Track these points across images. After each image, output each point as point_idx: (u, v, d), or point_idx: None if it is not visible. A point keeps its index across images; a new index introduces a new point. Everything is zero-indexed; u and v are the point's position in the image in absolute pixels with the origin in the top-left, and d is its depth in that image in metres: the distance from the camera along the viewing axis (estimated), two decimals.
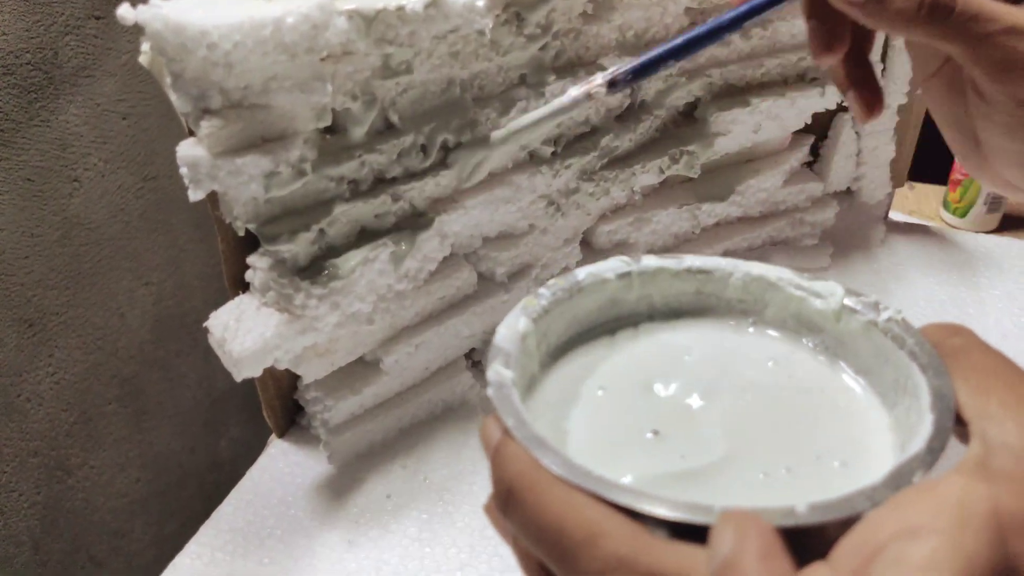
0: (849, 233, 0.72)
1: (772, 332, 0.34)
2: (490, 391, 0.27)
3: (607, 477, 0.23)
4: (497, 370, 0.28)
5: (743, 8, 0.40)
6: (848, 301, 0.31)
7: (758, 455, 0.24)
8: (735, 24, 0.40)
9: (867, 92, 0.41)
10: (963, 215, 0.89)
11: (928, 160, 0.88)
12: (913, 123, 0.71)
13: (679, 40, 0.40)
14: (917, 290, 0.67)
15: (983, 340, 0.26)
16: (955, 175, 0.89)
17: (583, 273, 0.34)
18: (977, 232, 0.88)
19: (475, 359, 0.58)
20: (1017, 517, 0.21)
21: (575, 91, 0.41)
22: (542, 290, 0.32)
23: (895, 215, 0.81)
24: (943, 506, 0.21)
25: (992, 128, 0.38)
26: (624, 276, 0.34)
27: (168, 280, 0.91)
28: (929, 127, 0.66)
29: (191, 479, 1.01)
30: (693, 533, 0.21)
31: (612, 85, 0.41)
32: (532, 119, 0.43)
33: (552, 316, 0.33)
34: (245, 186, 0.40)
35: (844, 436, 0.30)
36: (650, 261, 0.34)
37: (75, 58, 0.73)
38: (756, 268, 0.34)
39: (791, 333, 0.34)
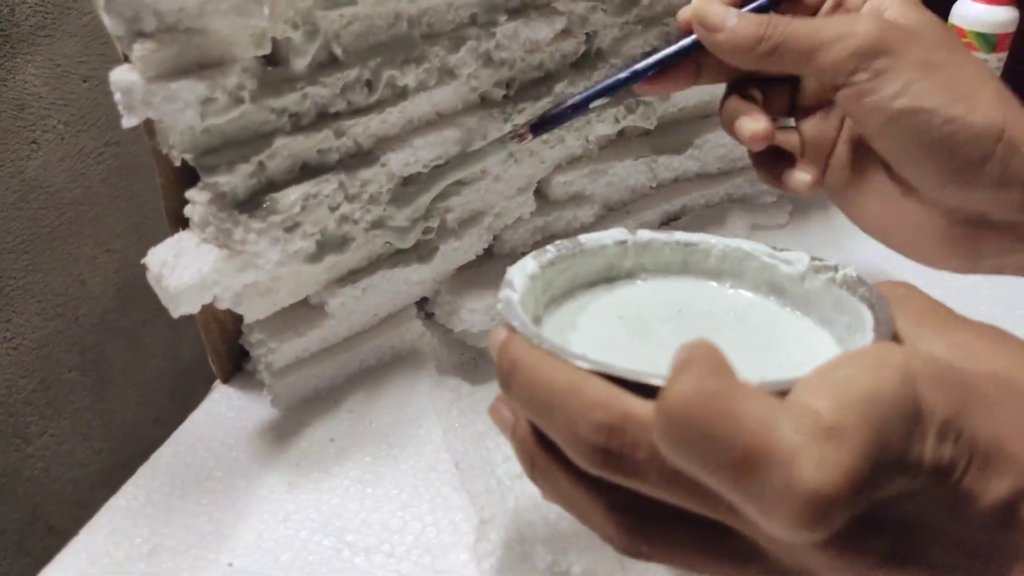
0: None
1: (746, 292, 0.39)
2: (500, 306, 0.33)
3: (591, 356, 0.28)
4: (507, 293, 0.34)
5: (660, 56, 0.42)
6: (813, 264, 0.36)
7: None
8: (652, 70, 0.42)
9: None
10: None
11: None
12: None
13: (601, 85, 0.43)
14: (873, 247, 0.66)
15: (923, 291, 0.31)
16: None
17: (585, 238, 0.39)
18: None
19: (427, 310, 0.57)
20: (928, 400, 0.24)
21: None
22: (549, 247, 0.38)
23: None
24: (863, 354, 0.25)
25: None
26: (621, 243, 0.40)
27: (132, 247, 0.89)
28: None
29: (156, 451, 0.99)
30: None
31: (535, 129, 0.45)
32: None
33: (556, 268, 0.38)
34: (181, 113, 0.39)
35: (802, 355, 0.34)
36: (644, 234, 0.40)
37: (33, 16, 0.72)
38: (735, 242, 0.39)
39: (764, 293, 0.39)
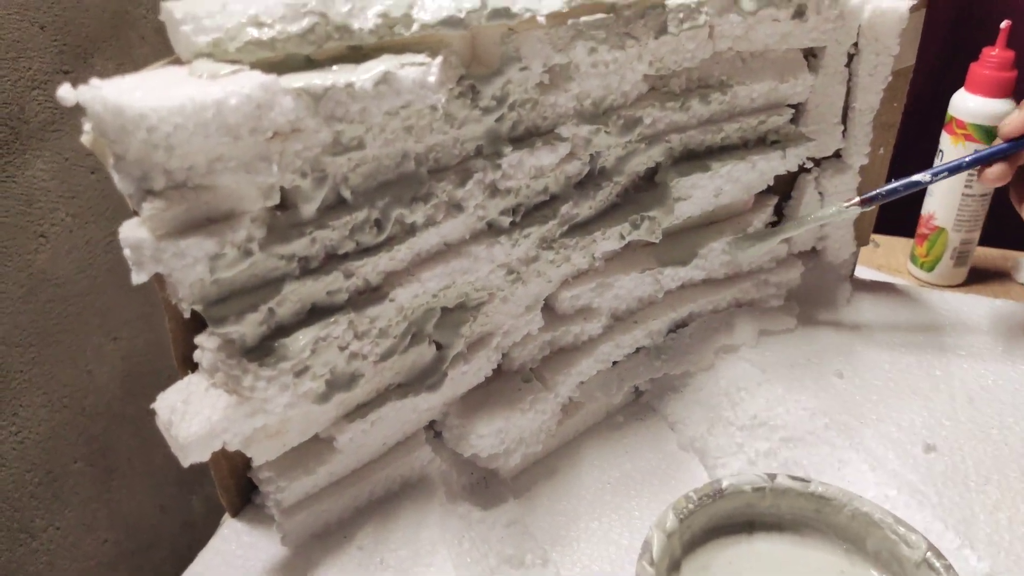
0: (815, 293, 0.72)
1: (868, 569, 0.47)
2: None
3: None
4: (643, 566, 0.43)
5: (987, 152, 0.60)
6: (929, 555, 0.44)
7: None
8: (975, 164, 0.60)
9: None
10: (930, 269, 0.89)
11: (895, 212, 0.88)
12: (875, 183, 0.71)
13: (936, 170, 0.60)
14: (882, 353, 0.66)
15: None
16: (922, 229, 0.89)
17: (727, 483, 0.48)
18: (945, 286, 0.88)
19: (436, 430, 0.57)
20: None
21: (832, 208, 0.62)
22: (691, 493, 0.47)
23: (862, 270, 0.81)
24: None
25: None
26: (759, 490, 0.48)
27: (138, 336, 0.89)
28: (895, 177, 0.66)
29: (163, 540, 0.98)
30: None
31: (866, 202, 0.61)
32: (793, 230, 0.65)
33: (696, 515, 0.47)
34: (190, 268, 0.39)
35: None
36: (783, 481, 0.48)
37: (42, 113, 0.73)
38: (866, 504, 0.47)
39: (884, 565, 0.46)
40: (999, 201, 0.80)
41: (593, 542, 0.53)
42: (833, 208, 0.62)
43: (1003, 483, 0.55)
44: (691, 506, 0.47)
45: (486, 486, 0.57)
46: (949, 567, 0.44)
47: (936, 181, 0.60)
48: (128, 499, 1.12)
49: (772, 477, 0.49)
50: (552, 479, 0.58)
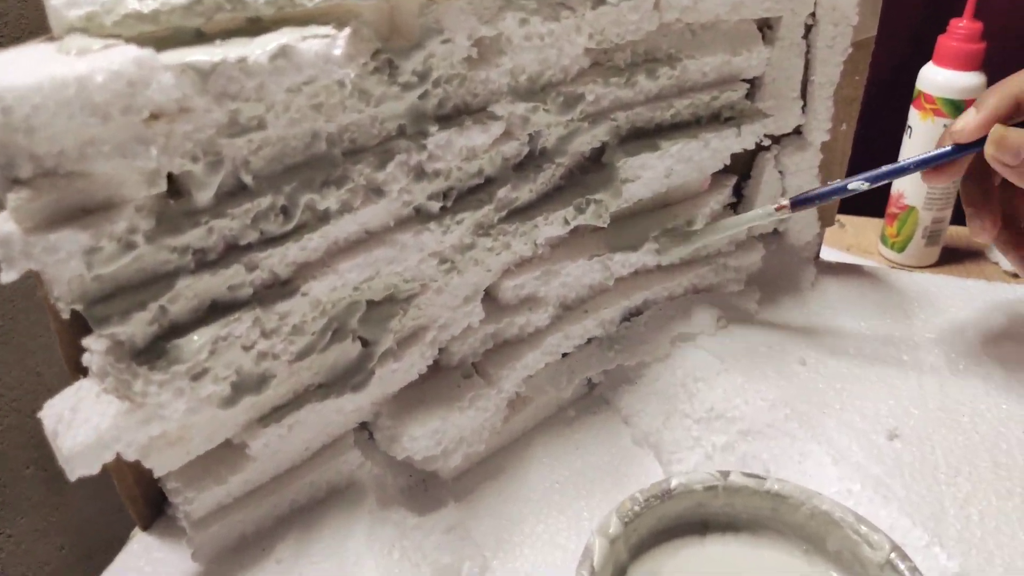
0: (777, 277, 0.68)
1: (828, 571, 0.44)
2: None
3: None
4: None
5: (931, 155, 0.53)
6: (893, 556, 0.41)
7: None
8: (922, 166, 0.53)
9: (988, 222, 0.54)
10: (901, 250, 0.86)
11: (864, 194, 0.85)
12: (839, 161, 0.67)
13: (871, 174, 0.53)
14: (848, 338, 0.63)
15: None
16: (892, 208, 0.86)
17: (676, 482, 0.44)
18: (916, 267, 0.85)
19: (369, 431, 0.53)
20: None
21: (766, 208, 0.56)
22: (636, 494, 0.43)
23: (831, 252, 0.78)
24: None
25: None
26: (711, 488, 0.45)
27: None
28: (857, 163, 0.63)
29: (119, 544, 0.95)
30: None
31: (796, 205, 0.54)
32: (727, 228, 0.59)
33: (642, 517, 0.43)
34: (64, 264, 0.35)
35: None
36: (736, 479, 0.45)
37: None
38: (825, 502, 0.44)
39: (843, 570, 0.43)
40: None
41: (538, 547, 0.50)
42: (760, 211, 0.56)
43: (974, 474, 0.52)
44: (637, 508, 0.44)
45: (425, 489, 0.53)
46: (914, 569, 0.41)
47: (876, 186, 0.54)
48: (83, 504, 1.08)
49: (725, 475, 0.46)
50: (497, 480, 0.55)
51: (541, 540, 0.50)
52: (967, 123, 0.50)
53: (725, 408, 0.56)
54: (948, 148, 0.52)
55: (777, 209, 0.55)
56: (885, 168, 0.53)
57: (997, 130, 0.49)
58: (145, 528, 0.48)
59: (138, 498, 0.47)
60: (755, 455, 0.53)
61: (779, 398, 0.56)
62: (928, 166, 0.53)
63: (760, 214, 0.56)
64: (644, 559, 0.46)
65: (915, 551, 0.44)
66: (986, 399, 0.58)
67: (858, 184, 0.53)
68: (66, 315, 0.37)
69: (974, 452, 0.54)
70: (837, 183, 0.54)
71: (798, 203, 0.54)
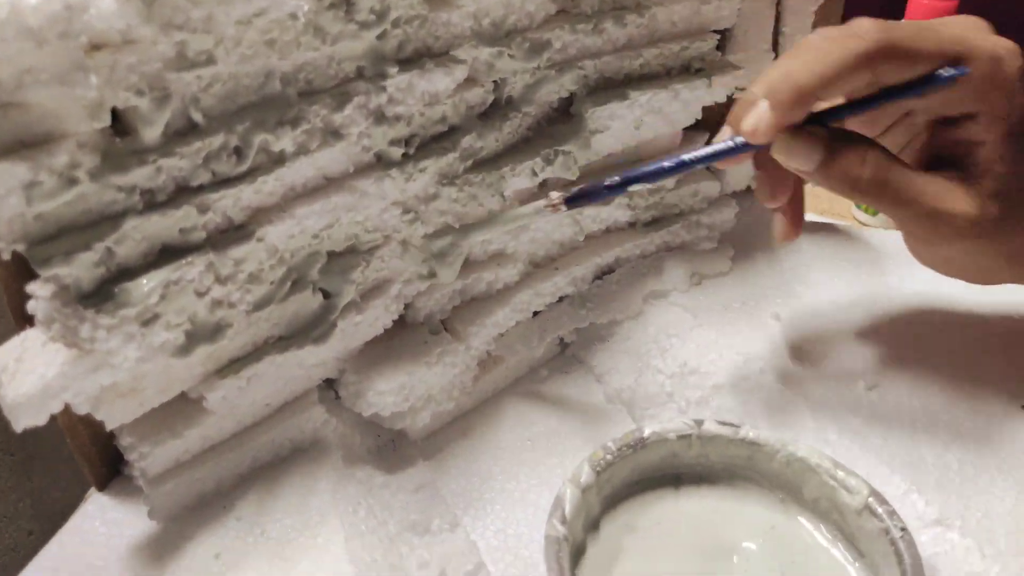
0: (751, 235, 0.67)
1: (805, 522, 0.44)
2: (544, 545, 0.39)
3: None
4: (553, 525, 0.39)
5: (711, 150, 0.43)
6: (871, 501, 0.41)
7: None
8: (700, 163, 0.43)
9: (792, 217, 0.49)
10: (875, 213, 0.85)
11: None
12: None
13: (644, 170, 0.44)
14: (822, 291, 0.62)
15: None
16: None
17: (649, 431, 0.44)
18: (888, 229, 0.84)
19: (335, 390, 0.52)
20: None
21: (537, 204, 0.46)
22: (609, 443, 0.43)
23: (805, 216, 0.77)
24: None
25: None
26: (685, 437, 0.45)
27: None
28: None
29: None
30: None
31: (570, 202, 0.45)
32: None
33: (615, 467, 0.43)
34: (3, 200, 0.34)
35: None
36: (710, 427, 0.45)
37: None
38: (801, 449, 0.43)
39: (822, 514, 0.43)
40: None
41: (509, 504, 0.49)
42: (530, 208, 0.46)
43: (953, 424, 0.51)
44: (609, 457, 0.43)
45: (393, 449, 0.52)
46: (893, 513, 0.40)
47: (641, 188, 0.47)
48: (52, 487, 1.06)
49: (699, 423, 0.45)
50: (468, 439, 0.54)
51: (512, 497, 0.49)
52: (759, 123, 0.40)
53: (699, 363, 0.55)
54: (732, 143, 0.42)
55: (546, 204, 0.45)
56: (649, 166, 0.44)
57: (782, 141, 0.41)
58: (101, 489, 0.46)
59: (93, 456, 0.46)
60: (729, 409, 0.52)
61: (753, 352, 0.56)
62: (706, 162, 0.43)
63: (529, 211, 0.46)
64: (617, 512, 0.45)
65: (893, 499, 0.43)
66: (964, 352, 0.57)
67: (639, 187, 0.45)
68: (7, 255, 0.35)
69: (952, 402, 0.53)
70: (611, 179, 0.44)
71: (573, 200, 0.45)
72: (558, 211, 0.45)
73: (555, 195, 0.45)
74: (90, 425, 0.44)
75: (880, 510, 0.40)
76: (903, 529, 0.40)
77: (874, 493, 0.41)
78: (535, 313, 0.58)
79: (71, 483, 0.98)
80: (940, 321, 0.60)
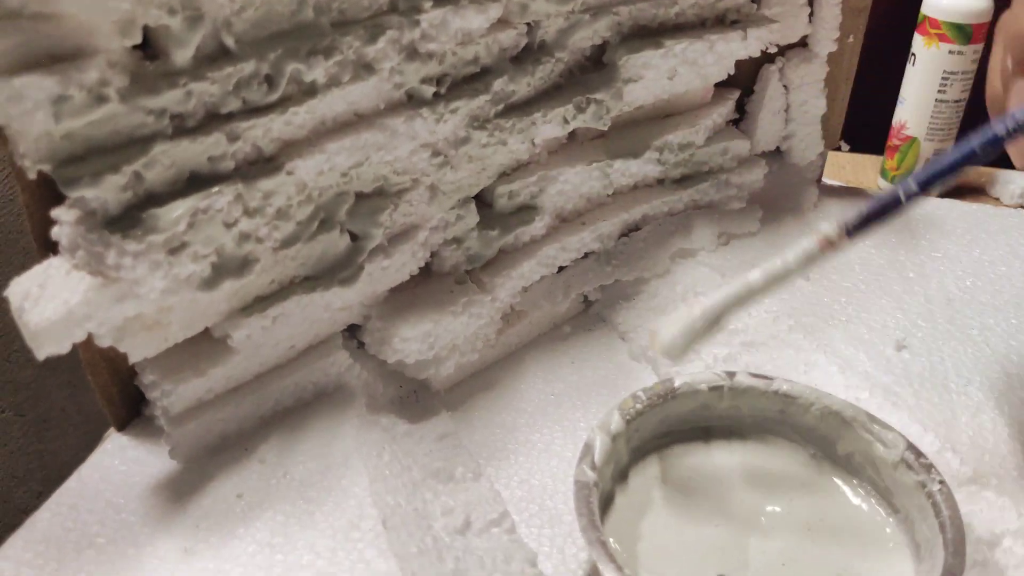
0: (779, 196, 0.66)
1: (835, 477, 0.43)
2: (574, 487, 0.37)
3: None
4: (583, 470, 0.38)
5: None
6: (907, 454, 0.40)
7: None
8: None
9: None
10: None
11: (866, 130, 0.83)
12: (844, 76, 0.65)
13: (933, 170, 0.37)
14: (851, 254, 0.61)
15: None
16: (892, 141, 0.84)
17: (680, 381, 0.43)
18: None
19: (359, 339, 0.51)
20: None
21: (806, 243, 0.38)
22: (639, 392, 0.42)
23: (830, 183, 0.76)
24: None
25: None
26: (716, 388, 0.44)
27: None
28: (863, 94, 0.60)
29: (31, 515, 0.94)
30: None
31: (852, 232, 0.37)
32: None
33: (645, 416, 0.42)
34: (30, 115, 0.33)
35: None
36: (742, 379, 0.44)
37: None
38: (836, 403, 0.42)
39: (856, 468, 0.43)
40: (974, 109, 0.75)
41: (533, 455, 0.48)
42: (800, 255, 0.38)
43: (985, 384, 0.50)
44: (639, 406, 0.42)
45: (416, 400, 0.51)
46: (931, 466, 0.39)
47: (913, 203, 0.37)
48: (61, 449, 1.05)
49: (731, 375, 0.44)
50: (491, 391, 0.53)
51: (536, 448, 0.48)
52: None
53: (726, 321, 0.54)
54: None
55: (827, 248, 0.37)
56: (942, 161, 0.37)
57: None
58: (121, 429, 0.45)
59: (114, 396, 0.44)
60: (758, 366, 0.51)
61: (783, 311, 0.54)
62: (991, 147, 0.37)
63: (801, 258, 0.39)
64: (646, 463, 0.44)
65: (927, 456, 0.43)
66: (995, 314, 0.56)
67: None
68: (32, 175, 0.34)
69: (985, 364, 0.52)
70: (910, 184, 0.36)
71: (853, 230, 0.37)
72: (836, 249, 0.37)
73: (827, 227, 0.37)
74: (112, 363, 0.43)
75: (917, 464, 0.39)
76: (941, 482, 0.39)
77: (910, 447, 0.40)
78: (560, 269, 0.57)
79: (79, 445, 0.97)
80: (971, 285, 0.59)
